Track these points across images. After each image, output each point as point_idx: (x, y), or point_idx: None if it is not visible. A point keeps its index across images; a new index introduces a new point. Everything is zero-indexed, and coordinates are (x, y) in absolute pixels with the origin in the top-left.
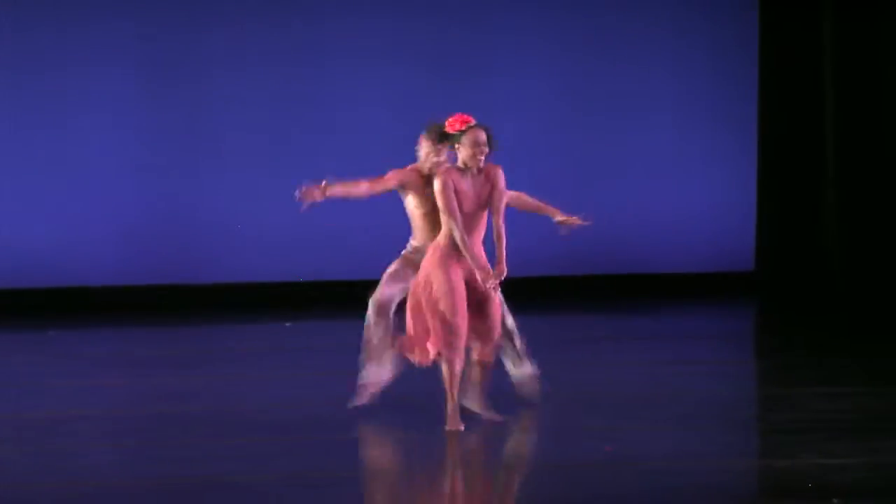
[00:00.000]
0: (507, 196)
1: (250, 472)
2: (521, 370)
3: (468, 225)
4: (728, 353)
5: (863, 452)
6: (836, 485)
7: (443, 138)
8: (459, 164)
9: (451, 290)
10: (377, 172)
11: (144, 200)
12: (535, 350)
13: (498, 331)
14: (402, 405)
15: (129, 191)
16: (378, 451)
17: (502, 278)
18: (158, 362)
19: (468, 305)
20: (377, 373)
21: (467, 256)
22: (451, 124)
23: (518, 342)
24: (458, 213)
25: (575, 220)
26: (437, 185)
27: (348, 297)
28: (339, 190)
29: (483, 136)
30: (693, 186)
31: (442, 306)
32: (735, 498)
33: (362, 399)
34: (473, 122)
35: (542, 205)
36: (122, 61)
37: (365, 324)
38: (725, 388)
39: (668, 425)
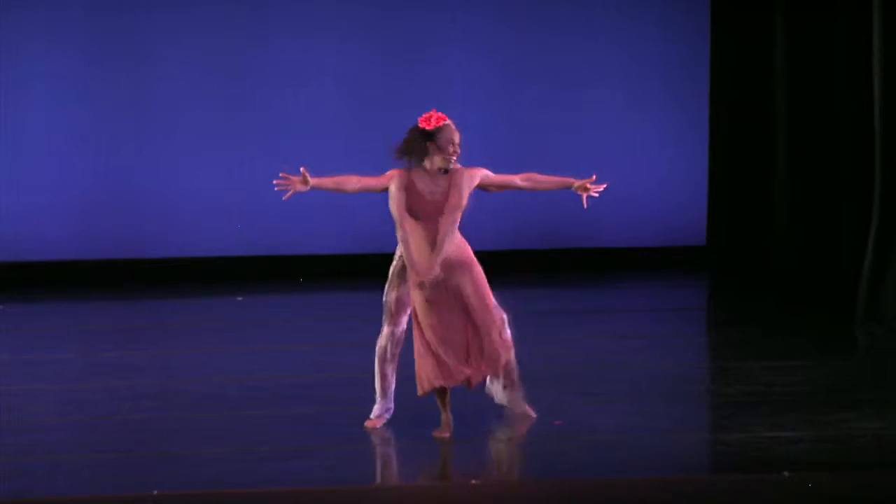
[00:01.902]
0: (503, 182)
1: (199, 446)
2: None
3: (427, 229)
4: (679, 326)
5: (812, 425)
6: (786, 457)
7: (420, 144)
8: (428, 164)
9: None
10: (323, 145)
11: (92, 175)
12: None
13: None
14: (350, 381)
15: (76, 165)
16: (327, 426)
17: (422, 279)
18: (107, 337)
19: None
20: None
21: (409, 264)
22: (427, 120)
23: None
24: (406, 219)
25: (591, 185)
26: (389, 182)
27: (300, 271)
28: (328, 184)
29: (457, 135)
30: (645, 161)
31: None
32: (686, 470)
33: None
34: (447, 120)
35: (554, 180)
36: (69, 34)
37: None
38: (676, 362)
39: (618, 398)
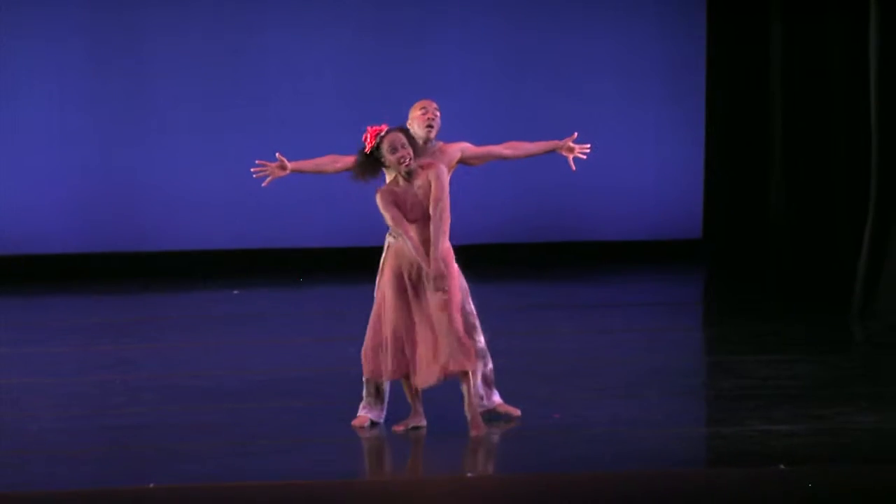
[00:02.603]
0: (484, 152)
1: (195, 439)
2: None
3: (422, 229)
4: (675, 320)
5: (807, 419)
6: (781, 451)
7: (369, 165)
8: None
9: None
10: (320, 140)
11: (91, 169)
12: (482, 318)
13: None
14: (347, 375)
15: (75, 159)
16: (323, 420)
17: (437, 281)
18: (104, 330)
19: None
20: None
21: (423, 265)
22: (365, 140)
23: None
24: (407, 227)
25: (574, 144)
26: (378, 202)
27: (296, 264)
28: (309, 167)
29: (400, 138)
30: (641, 154)
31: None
32: (681, 463)
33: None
34: (385, 128)
35: (538, 144)
36: (67, 30)
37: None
38: (672, 356)
39: (615, 392)
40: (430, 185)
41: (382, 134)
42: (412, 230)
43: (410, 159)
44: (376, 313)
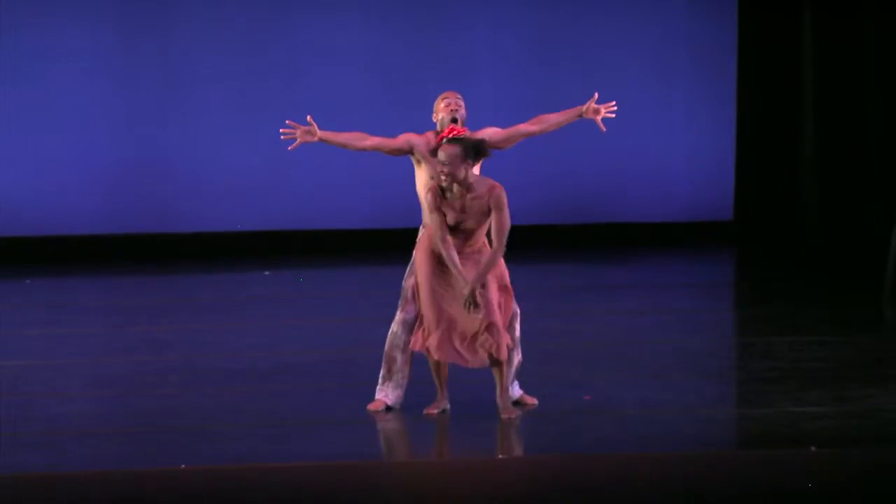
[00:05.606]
0: (511, 133)
1: (225, 419)
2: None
3: (453, 234)
4: (706, 302)
5: (838, 401)
6: (812, 432)
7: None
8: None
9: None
10: (349, 121)
11: (122, 150)
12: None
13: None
14: (377, 356)
15: (106, 140)
16: (353, 401)
17: (466, 292)
18: (135, 311)
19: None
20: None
21: (456, 275)
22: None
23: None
24: (446, 232)
25: (596, 104)
26: (424, 199)
27: (327, 245)
28: (337, 139)
29: (450, 154)
30: (672, 136)
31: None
32: (712, 445)
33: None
34: (462, 133)
35: (563, 113)
36: (98, 12)
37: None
38: (703, 337)
39: (646, 374)
40: (487, 205)
41: (447, 139)
42: (450, 236)
43: (445, 178)
44: (423, 298)
